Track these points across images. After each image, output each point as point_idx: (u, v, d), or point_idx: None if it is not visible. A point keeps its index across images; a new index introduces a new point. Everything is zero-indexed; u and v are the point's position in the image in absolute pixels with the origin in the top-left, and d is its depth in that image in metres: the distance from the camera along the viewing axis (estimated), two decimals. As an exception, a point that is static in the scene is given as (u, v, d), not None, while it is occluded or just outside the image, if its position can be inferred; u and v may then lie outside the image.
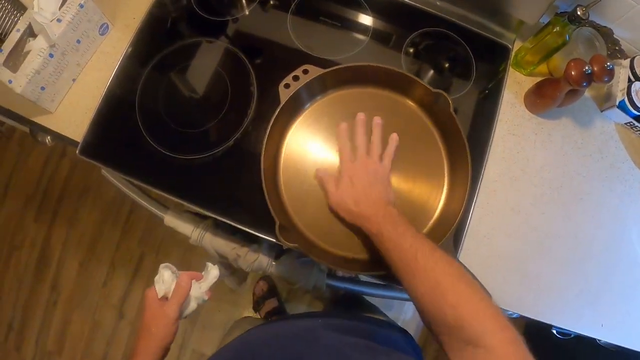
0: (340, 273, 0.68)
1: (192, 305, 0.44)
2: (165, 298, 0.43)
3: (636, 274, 0.61)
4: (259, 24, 0.64)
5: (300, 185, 0.54)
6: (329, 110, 0.57)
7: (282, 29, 0.63)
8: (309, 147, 0.56)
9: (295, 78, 0.53)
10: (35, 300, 1.19)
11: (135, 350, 0.40)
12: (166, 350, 0.41)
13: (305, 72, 0.53)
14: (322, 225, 0.52)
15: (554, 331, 0.65)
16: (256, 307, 1.16)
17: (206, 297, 0.45)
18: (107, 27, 0.63)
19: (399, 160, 0.56)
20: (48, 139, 0.66)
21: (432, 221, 0.54)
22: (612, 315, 0.60)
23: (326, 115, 0.57)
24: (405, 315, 0.91)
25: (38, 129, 0.61)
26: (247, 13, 0.64)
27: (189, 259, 1.21)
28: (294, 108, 0.56)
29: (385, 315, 0.64)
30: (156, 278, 0.44)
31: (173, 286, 0.43)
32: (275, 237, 0.47)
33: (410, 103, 0.58)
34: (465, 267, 0.39)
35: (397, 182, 0.55)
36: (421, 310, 0.37)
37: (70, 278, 1.19)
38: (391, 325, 0.54)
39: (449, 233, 0.50)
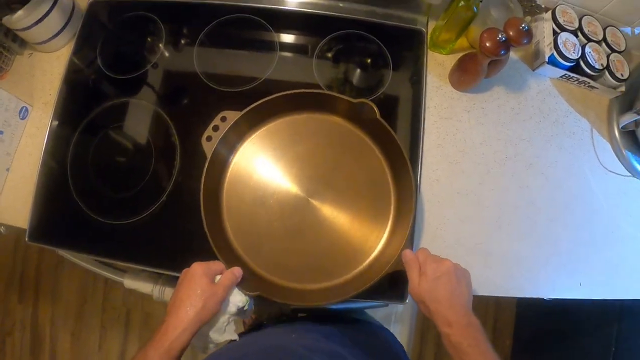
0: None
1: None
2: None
3: (604, 220, 0.65)
4: (170, 67, 0.70)
5: (249, 227, 0.58)
6: (262, 145, 0.61)
7: (190, 68, 0.68)
8: (249, 188, 0.59)
9: (215, 128, 0.57)
10: (39, 381, 1.28)
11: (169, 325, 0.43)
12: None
13: (224, 119, 0.57)
14: (280, 263, 0.56)
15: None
16: None
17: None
18: (27, 109, 0.69)
19: (344, 179, 0.60)
20: (2, 228, 0.72)
21: (386, 234, 0.58)
22: (589, 270, 0.63)
23: (261, 151, 0.61)
24: (397, 307, 0.96)
25: (-13, 223, 0.67)
26: (155, 61, 0.69)
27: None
28: (226, 153, 0.60)
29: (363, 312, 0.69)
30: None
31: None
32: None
33: (339, 119, 0.62)
34: None
35: (346, 201, 0.59)
36: None
37: (66, 350, 1.29)
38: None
39: (405, 241, 0.53)
